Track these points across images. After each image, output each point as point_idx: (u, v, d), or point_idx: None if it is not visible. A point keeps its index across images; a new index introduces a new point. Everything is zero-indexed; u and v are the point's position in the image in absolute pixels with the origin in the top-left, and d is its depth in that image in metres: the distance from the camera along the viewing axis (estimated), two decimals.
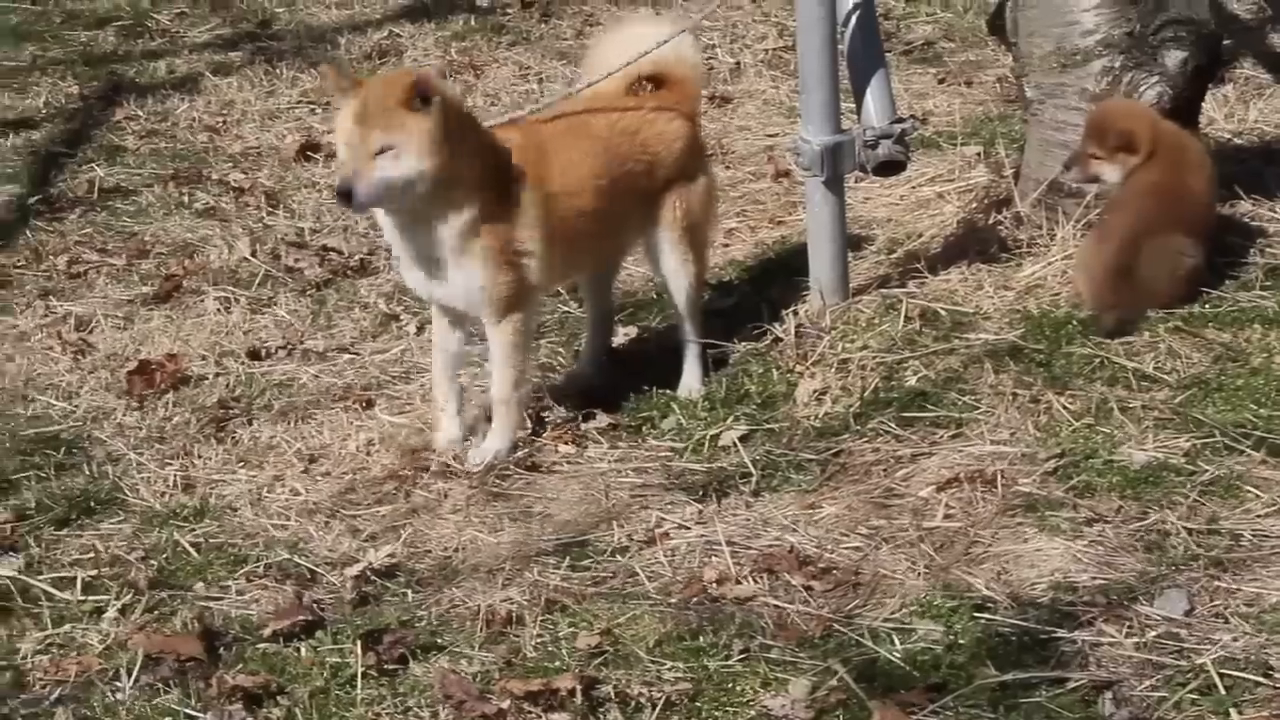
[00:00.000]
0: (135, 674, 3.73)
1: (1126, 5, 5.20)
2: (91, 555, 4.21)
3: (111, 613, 3.96)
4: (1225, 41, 5.93)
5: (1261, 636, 3.60)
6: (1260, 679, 3.46)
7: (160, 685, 3.71)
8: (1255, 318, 4.84)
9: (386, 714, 3.61)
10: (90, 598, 4.03)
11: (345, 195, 4.34)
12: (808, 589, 3.93)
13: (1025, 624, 3.72)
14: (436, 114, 4.33)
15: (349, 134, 4.33)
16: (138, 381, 5.02)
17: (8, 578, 4.10)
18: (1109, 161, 5.00)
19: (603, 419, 4.73)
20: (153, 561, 4.18)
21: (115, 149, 6.91)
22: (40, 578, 4.11)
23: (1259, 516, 4.03)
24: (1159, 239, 4.88)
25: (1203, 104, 5.55)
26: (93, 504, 4.46)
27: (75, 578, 4.09)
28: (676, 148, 4.82)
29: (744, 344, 5.00)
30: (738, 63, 7.51)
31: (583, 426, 4.69)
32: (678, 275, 4.86)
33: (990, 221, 5.50)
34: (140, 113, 7.24)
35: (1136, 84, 5.19)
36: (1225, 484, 4.15)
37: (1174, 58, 5.19)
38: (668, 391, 4.83)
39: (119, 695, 3.69)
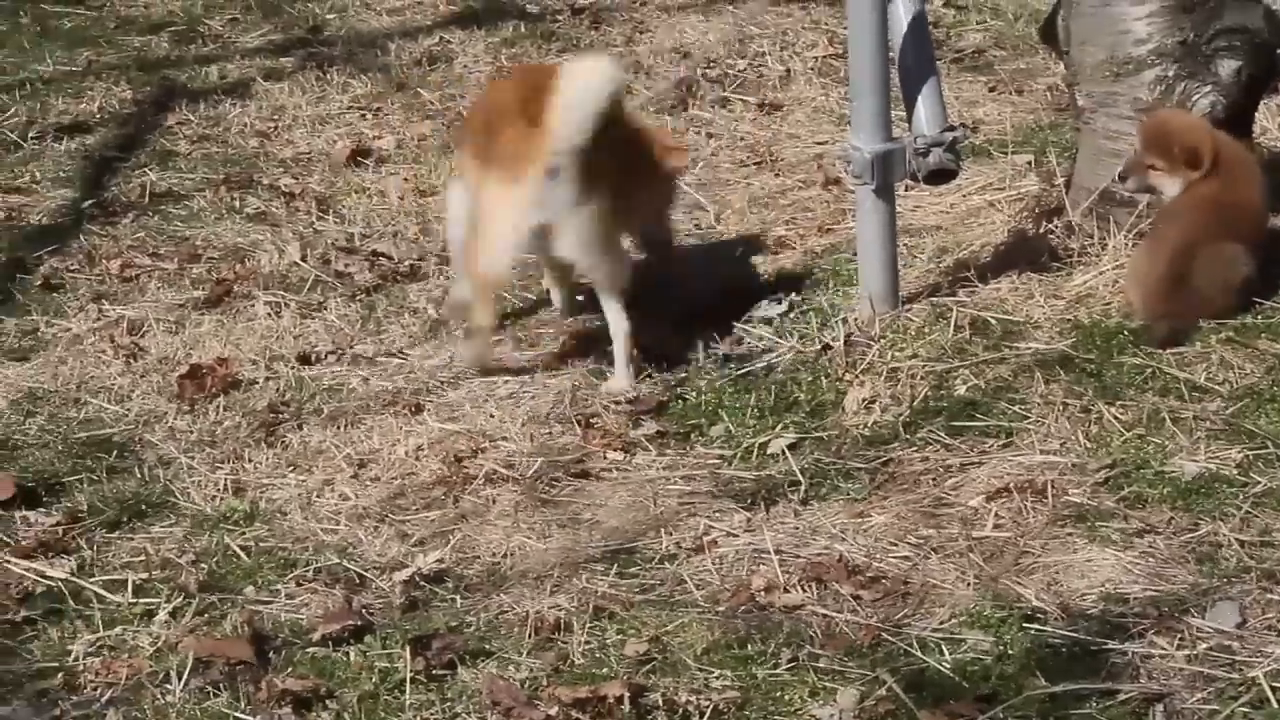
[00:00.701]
0: (185, 677, 3.75)
1: (1180, 14, 5.18)
2: (142, 558, 4.23)
3: (162, 615, 3.98)
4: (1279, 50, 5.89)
5: None
6: None
7: (210, 688, 3.73)
8: None
9: (434, 719, 3.62)
10: (141, 600, 4.05)
11: None
12: (856, 598, 3.92)
13: (1075, 635, 3.70)
14: None
15: None
16: (189, 385, 5.05)
17: (60, 580, 4.13)
18: (1170, 174, 4.97)
19: (651, 426, 4.73)
20: (203, 565, 4.21)
21: (167, 154, 6.95)
22: (92, 580, 4.14)
23: None
24: (1213, 248, 4.85)
25: (1256, 113, 5.51)
26: (144, 507, 4.48)
27: (126, 580, 4.11)
28: None
29: (793, 351, 4.99)
30: (788, 70, 7.50)
31: (631, 434, 4.70)
32: None
33: (1041, 230, 5.48)
34: (192, 118, 7.28)
35: (1190, 93, 5.16)
36: (1278, 496, 4.12)
37: (1228, 67, 5.16)
38: (716, 401, 4.82)
39: (169, 698, 3.71)
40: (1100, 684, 3.54)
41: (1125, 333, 4.87)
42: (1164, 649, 3.63)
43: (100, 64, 7.89)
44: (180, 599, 4.04)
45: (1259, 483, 4.17)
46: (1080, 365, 4.73)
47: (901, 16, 5.06)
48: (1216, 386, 4.59)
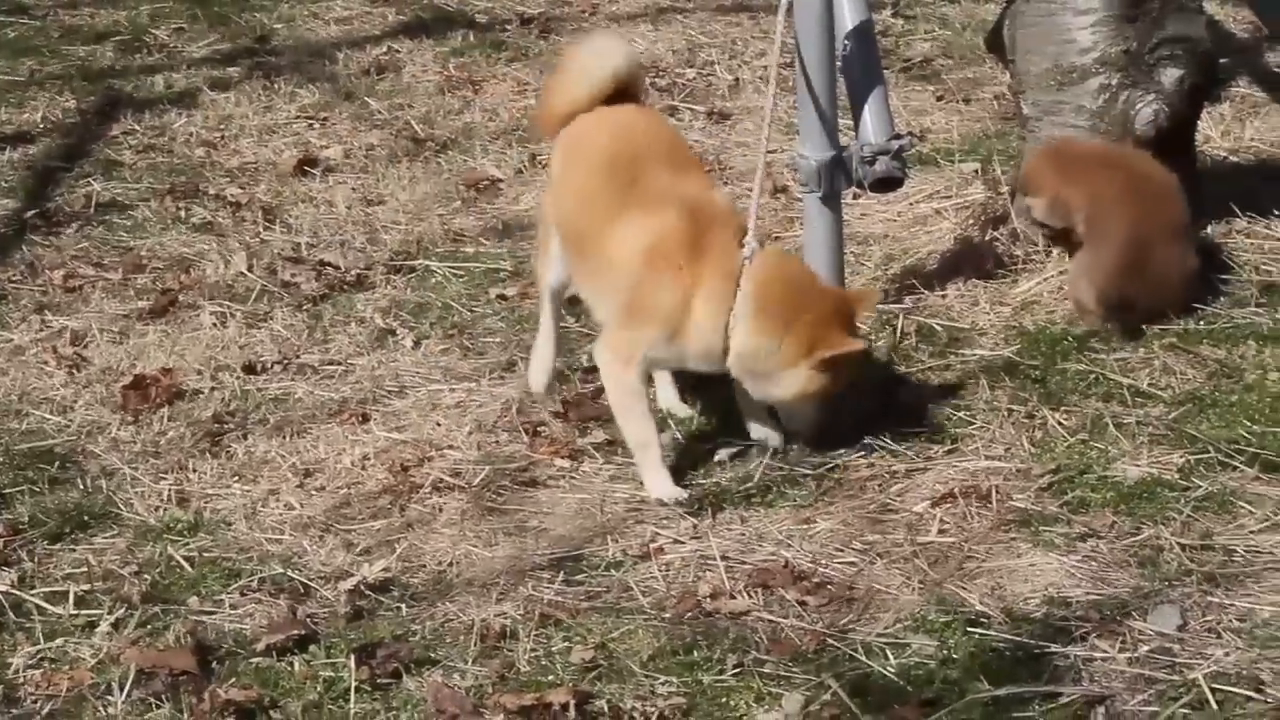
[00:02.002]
0: (127, 689, 3.72)
1: (1123, 23, 5.21)
2: (84, 570, 4.20)
3: (104, 627, 3.95)
4: (1222, 60, 5.95)
5: (1254, 652, 3.60)
6: (1252, 694, 3.47)
7: (152, 700, 3.70)
8: (1250, 334, 4.85)
9: None
10: (83, 612, 4.02)
11: None
12: (802, 604, 3.93)
13: (1019, 639, 3.72)
14: None
15: None
16: (133, 396, 5.02)
17: (0, 592, 4.10)
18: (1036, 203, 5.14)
19: (599, 434, 4.73)
20: (146, 576, 4.18)
21: (112, 164, 6.91)
22: (33, 592, 4.10)
23: (1252, 532, 4.03)
24: (1166, 237, 4.90)
25: (1199, 122, 5.56)
26: (86, 518, 4.45)
27: (68, 592, 4.08)
28: None
29: None
30: (736, 79, 7.52)
31: (579, 442, 4.69)
32: None
33: (987, 238, 5.51)
34: (137, 127, 7.25)
35: (1133, 102, 5.20)
36: (1219, 500, 4.15)
37: (1170, 76, 5.20)
38: (663, 409, 4.83)
39: (110, 710, 3.68)
40: (1043, 687, 3.56)
41: (1069, 339, 4.90)
42: (1106, 652, 3.65)
43: (44, 73, 7.84)
44: (123, 610, 4.01)
45: (1200, 487, 4.20)
46: (1025, 371, 4.76)
47: (848, 25, 5.08)
48: (1159, 392, 4.62)
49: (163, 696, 3.71)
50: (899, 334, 4.96)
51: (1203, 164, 5.74)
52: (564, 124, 4.84)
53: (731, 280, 4.35)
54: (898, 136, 5.07)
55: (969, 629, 3.76)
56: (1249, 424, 4.44)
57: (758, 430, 4.57)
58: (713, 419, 4.74)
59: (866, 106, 5.08)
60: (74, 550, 4.30)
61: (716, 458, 4.56)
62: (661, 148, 4.64)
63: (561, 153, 4.82)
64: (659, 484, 4.40)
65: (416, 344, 5.33)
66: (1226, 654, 3.60)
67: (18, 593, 4.09)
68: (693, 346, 4.41)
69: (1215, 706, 3.45)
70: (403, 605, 4.03)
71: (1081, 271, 5.02)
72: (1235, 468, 4.26)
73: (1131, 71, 5.21)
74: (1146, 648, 3.65)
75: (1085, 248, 5.08)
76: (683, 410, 4.79)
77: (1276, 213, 5.41)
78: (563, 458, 4.63)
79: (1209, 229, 5.33)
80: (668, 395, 4.84)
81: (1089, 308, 4.94)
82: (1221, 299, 5.03)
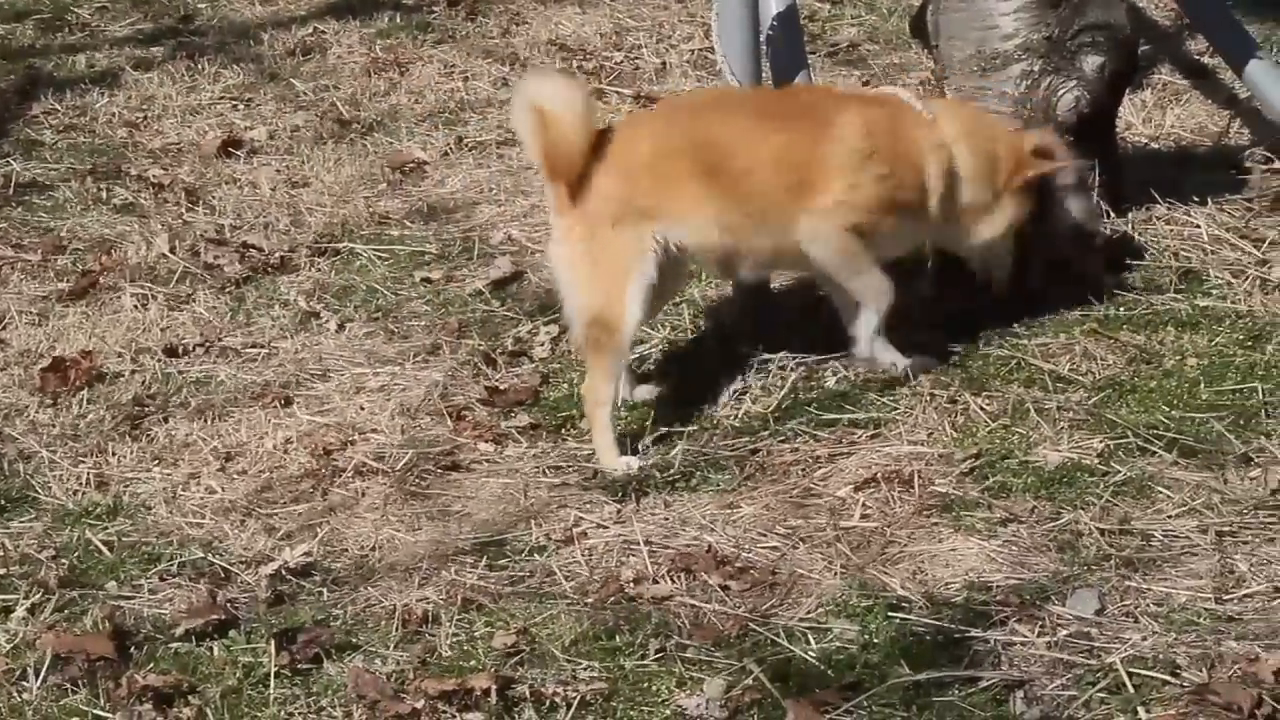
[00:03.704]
0: (43, 674, 3.69)
1: (1045, 9, 5.23)
2: (0, 554, 4.15)
3: (20, 612, 3.91)
4: (1143, 47, 5.99)
5: (1170, 636, 3.63)
6: (1168, 678, 3.50)
7: (69, 685, 3.68)
8: (1169, 320, 4.89)
9: (299, 714, 3.60)
10: None
11: None
12: (724, 588, 3.94)
13: (939, 623, 3.74)
14: None
15: None
16: (52, 378, 4.97)
17: None
18: None
19: (522, 418, 4.72)
20: (63, 560, 4.14)
21: (32, 143, 6.83)
22: None
23: (1170, 517, 4.07)
24: None
25: (1120, 109, 5.60)
26: (3, 502, 4.41)
27: None
28: None
29: (666, 344, 5.00)
30: (664, 63, 7.51)
31: (503, 425, 4.68)
32: None
33: None
34: (58, 107, 7.17)
35: (1055, 88, 5.22)
36: (1137, 485, 4.19)
37: (1092, 63, 5.23)
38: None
39: (25, 695, 3.65)
40: (962, 671, 3.58)
41: (990, 324, 4.92)
42: (1025, 636, 3.68)
43: None
44: (39, 595, 3.97)
45: (1119, 472, 4.23)
46: (947, 356, 4.78)
47: (774, 10, 5.09)
48: (1079, 377, 4.66)
49: (79, 682, 3.68)
50: (824, 319, 4.97)
51: (1124, 151, 5.78)
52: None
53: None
54: None
55: (890, 614, 3.78)
56: (1167, 409, 4.48)
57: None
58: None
59: None
60: None
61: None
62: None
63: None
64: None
65: (340, 327, 5.30)
66: (1144, 638, 3.63)
67: None
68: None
69: (1132, 690, 3.48)
70: (324, 590, 4.01)
71: None
72: (1154, 453, 4.30)
73: (1053, 58, 5.24)
74: (1065, 632, 3.68)
75: None
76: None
77: (1196, 199, 5.46)
78: (486, 442, 4.62)
79: (1129, 215, 5.37)
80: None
81: None
82: (1141, 285, 5.07)
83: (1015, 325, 4.91)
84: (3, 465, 4.58)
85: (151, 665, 3.73)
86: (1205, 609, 3.73)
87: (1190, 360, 4.70)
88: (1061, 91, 5.21)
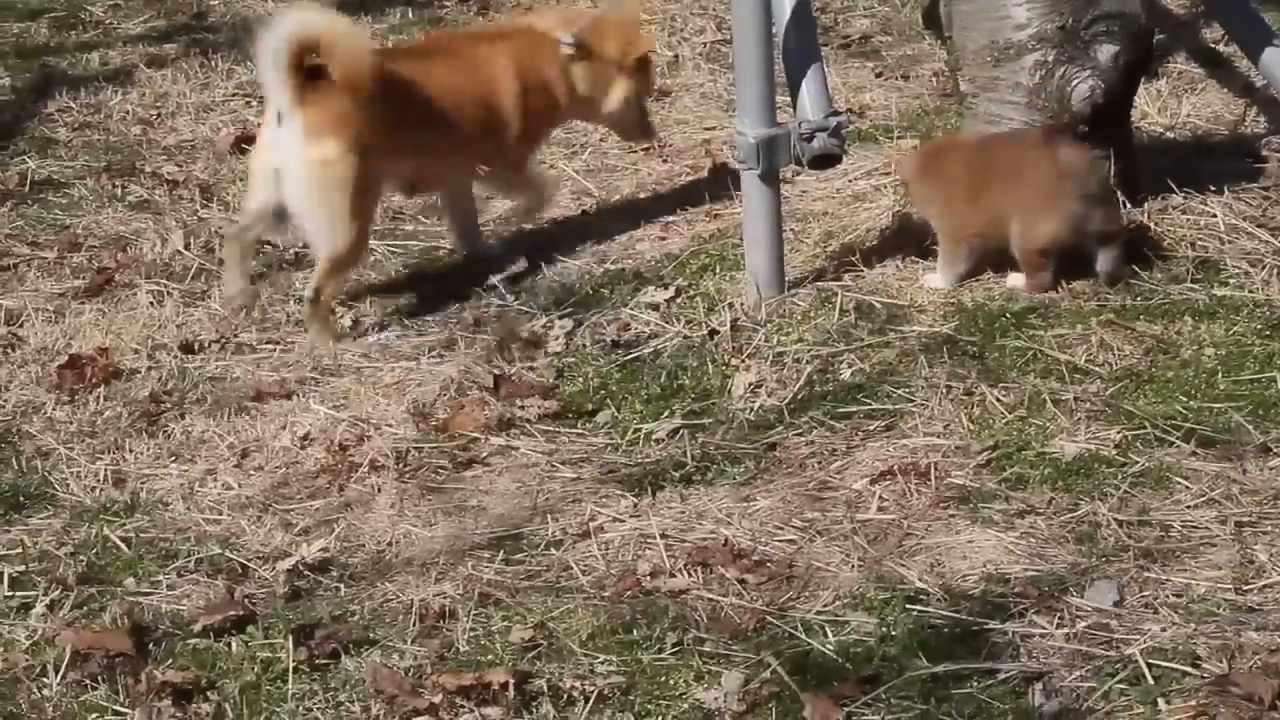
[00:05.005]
0: (63, 670, 3.69)
1: (1059, 0, 5.23)
2: (19, 551, 4.16)
3: (39, 609, 3.91)
4: (1157, 36, 5.98)
5: (1190, 627, 3.62)
6: (1188, 669, 3.49)
7: (88, 682, 3.67)
8: (1186, 310, 4.88)
9: (318, 709, 3.59)
10: (18, 594, 3.98)
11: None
12: (741, 582, 3.93)
13: (957, 616, 3.73)
14: None
15: None
16: (68, 376, 4.97)
17: None
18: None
19: (537, 411, 4.71)
20: (82, 557, 4.15)
21: (47, 141, 6.84)
22: None
23: (1188, 508, 4.06)
24: None
25: (1135, 98, 5.58)
26: (21, 499, 4.41)
27: (2, 573, 4.04)
28: None
29: (680, 337, 5.00)
30: (676, 56, 7.51)
31: (518, 418, 4.68)
32: None
33: None
34: (73, 105, 7.18)
35: (1069, 78, 5.21)
36: (1155, 475, 4.18)
37: (1106, 52, 5.22)
38: (602, 387, 4.82)
39: (46, 692, 3.65)
40: (981, 664, 3.57)
41: (1007, 315, 4.91)
42: (1044, 628, 3.67)
43: None
44: (58, 591, 3.97)
45: (1137, 463, 4.22)
46: (963, 348, 4.77)
47: (786, 2, 5.08)
48: (1096, 368, 4.65)
49: (99, 678, 3.68)
50: (838, 311, 4.97)
51: (1139, 140, 5.77)
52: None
53: None
54: (835, 113, 5.09)
55: (908, 606, 3.77)
56: (1185, 400, 4.47)
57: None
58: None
59: (804, 84, 5.09)
60: (9, 531, 4.26)
61: None
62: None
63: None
64: None
65: (355, 323, 5.30)
66: (1163, 629, 3.62)
67: None
68: None
69: (1151, 681, 3.47)
70: (341, 585, 4.02)
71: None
72: (1172, 443, 4.29)
73: (1067, 48, 5.23)
74: (1084, 624, 3.67)
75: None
76: None
77: (1213, 188, 5.44)
78: (501, 436, 4.61)
79: (1146, 205, 5.36)
80: None
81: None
82: (1158, 275, 5.06)
83: (1031, 316, 4.90)
84: (21, 462, 4.58)
85: (170, 661, 3.74)
86: (1225, 600, 3.72)
87: (1208, 350, 4.69)
88: (1076, 81, 5.20)
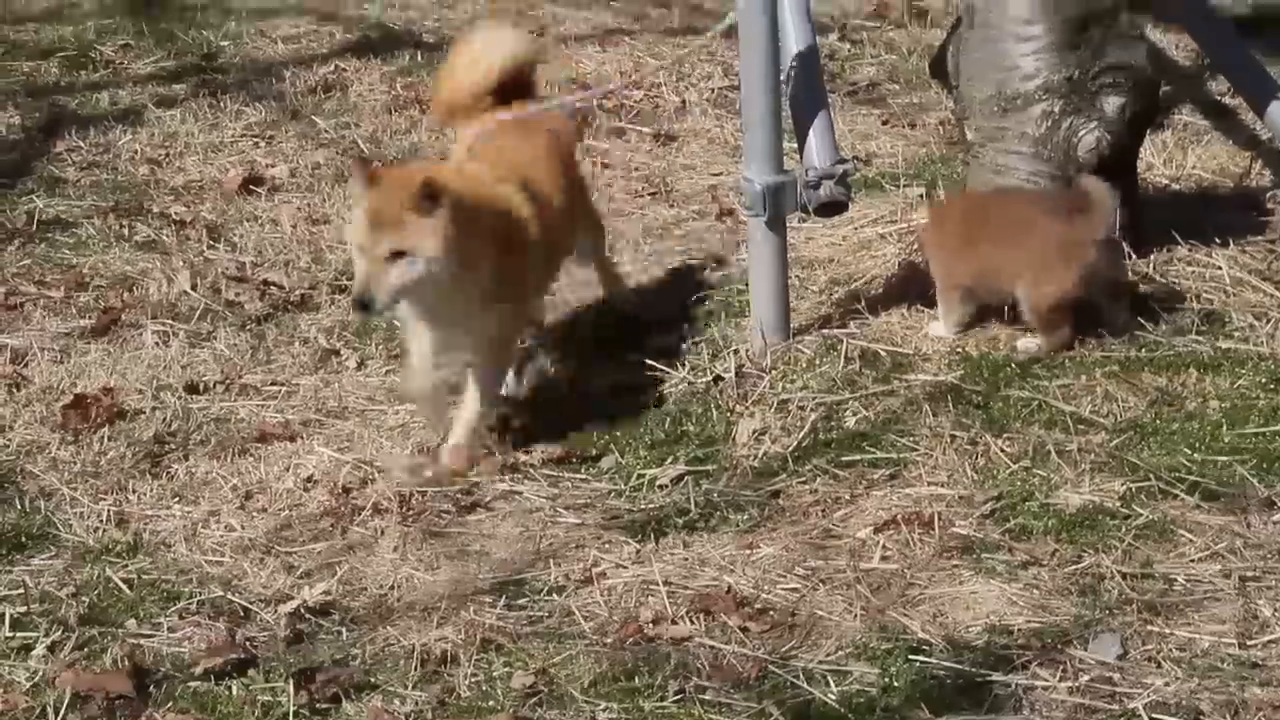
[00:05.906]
0: (63, 712, 3.69)
1: (1066, 51, 5.25)
2: (21, 591, 4.15)
3: (40, 650, 3.91)
4: (1164, 88, 5.99)
5: (1193, 681, 3.61)
6: None
7: None
8: (1190, 362, 4.88)
9: None
10: (19, 634, 3.97)
11: (363, 305, 4.43)
12: (744, 630, 3.92)
13: (960, 667, 3.72)
14: (445, 215, 4.42)
15: (362, 239, 4.43)
16: (73, 415, 4.97)
17: None
18: None
19: (540, 457, 4.71)
20: (83, 598, 4.14)
21: (55, 180, 6.86)
22: None
23: (1192, 561, 4.05)
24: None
25: (1141, 150, 5.60)
26: (24, 539, 4.41)
27: (4, 614, 4.03)
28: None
29: (685, 383, 5.00)
30: (683, 101, 7.54)
31: (521, 463, 4.68)
32: None
33: None
34: (82, 144, 7.20)
35: (1075, 129, 5.23)
36: (1159, 528, 4.17)
37: (1112, 104, 5.24)
38: (607, 432, 4.82)
39: None
40: (983, 715, 3.56)
41: (1012, 365, 4.91)
42: (1047, 680, 3.66)
43: None
44: (59, 632, 3.97)
45: (1141, 515, 4.21)
46: (968, 397, 4.77)
47: (794, 49, 5.10)
48: (1101, 419, 4.64)
49: None
50: (843, 359, 4.97)
51: (1144, 191, 5.78)
52: (456, 112, 5.13)
53: None
54: (842, 161, 5.10)
55: (910, 657, 3.76)
56: (1190, 452, 4.46)
57: None
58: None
59: (811, 131, 5.11)
60: (10, 572, 4.26)
61: None
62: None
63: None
64: None
65: (360, 365, 5.31)
66: (1166, 683, 3.61)
67: None
68: None
69: None
70: (343, 629, 4.01)
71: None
72: (1176, 496, 4.28)
73: (1074, 99, 5.25)
74: (1087, 677, 3.66)
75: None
76: None
77: (1218, 241, 5.45)
78: (505, 480, 4.61)
79: (1151, 257, 5.36)
80: None
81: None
82: (1163, 327, 5.06)
83: (1036, 367, 4.90)
84: (24, 502, 4.58)
85: (170, 704, 3.73)
86: (1229, 654, 3.71)
87: (1212, 403, 4.69)
88: (1082, 132, 5.22)
